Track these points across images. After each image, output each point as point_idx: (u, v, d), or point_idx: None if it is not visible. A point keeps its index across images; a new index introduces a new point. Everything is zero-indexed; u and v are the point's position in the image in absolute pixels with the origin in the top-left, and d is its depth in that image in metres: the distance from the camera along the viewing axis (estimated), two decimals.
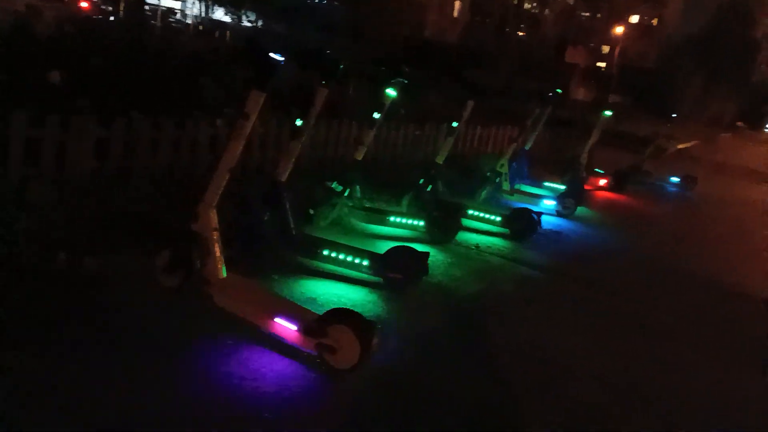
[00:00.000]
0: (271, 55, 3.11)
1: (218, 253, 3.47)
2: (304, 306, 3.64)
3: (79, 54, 6.73)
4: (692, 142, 26.99)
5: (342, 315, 3.27)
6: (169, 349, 3.16)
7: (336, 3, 28.24)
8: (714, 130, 39.10)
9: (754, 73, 53.73)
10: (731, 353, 4.66)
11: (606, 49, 62.27)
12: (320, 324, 3.21)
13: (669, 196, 11.84)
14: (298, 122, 4.19)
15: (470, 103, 6.15)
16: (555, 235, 6.95)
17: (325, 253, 4.43)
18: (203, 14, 25.02)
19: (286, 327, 3.30)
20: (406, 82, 5.18)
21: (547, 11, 55.05)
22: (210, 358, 3.14)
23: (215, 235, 3.46)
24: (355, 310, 3.92)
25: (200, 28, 20.00)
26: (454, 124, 6.22)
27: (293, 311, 3.40)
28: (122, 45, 7.64)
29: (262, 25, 24.75)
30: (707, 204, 11.70)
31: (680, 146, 23.59)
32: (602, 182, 10.73)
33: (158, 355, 3.09)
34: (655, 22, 64.22)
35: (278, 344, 3.32)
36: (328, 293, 4.16)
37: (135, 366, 2.98)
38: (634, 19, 63.75)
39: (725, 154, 26.42)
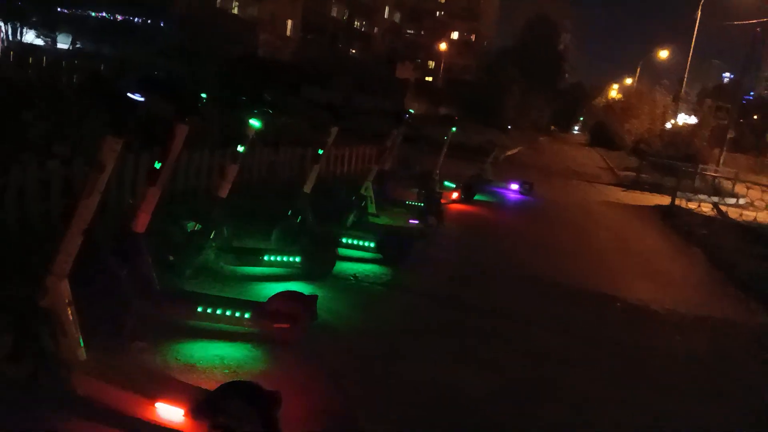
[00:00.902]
0: (130, 95, 2.62)
1: (75, 332, 2.88)
2: (186, 379, 3.15)
3: None
4: (518, 148, 29.17)
5: (237, 388, 2.83)
6: None
7: (162, 23, 26.72)
8: (534, 134, 42.74)
9: (561, 81, 59.60)
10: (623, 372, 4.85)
11: (432, 64, 65.77)
12: (213, 402, 2.76)
13: (513, 202, 12.51)
14: (157, 165, 3.65)
15: (334, 130, 5.90)
16: (426, 254, 6.92)
17: (198, 309, 3.92)
18: (10, 38, 22.30)
19: (170, 411, 2.80)
20: (270, 111, 4.81)
21: (376, 29, 56.80)
22: None
23: (70, 311, 2.86)
24: (241, 371, 3.54)
25: (11, 53, 17.78)
26: (320, 152, 5.94)
27: (177, 390, 2.91)
28: None
29: (79, 47, 22.64)
30: (551, 208, 12.52)
31: (508, 153, 25.35)
32: (454, 195, 11.04)
33: None
34: (473, 37, 68.92)
35: None
36: (208, 356, 3.67)
37: None
38: (455, 35, 68.11)
39: (547, 157, 28.88)
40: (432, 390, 3.78)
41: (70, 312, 2.88)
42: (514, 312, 5.62)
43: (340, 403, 3.45)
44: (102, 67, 14.85)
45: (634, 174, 21.30)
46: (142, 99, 2.65)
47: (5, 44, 21.60)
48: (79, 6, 24.58)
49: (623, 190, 18.30)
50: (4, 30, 22.71)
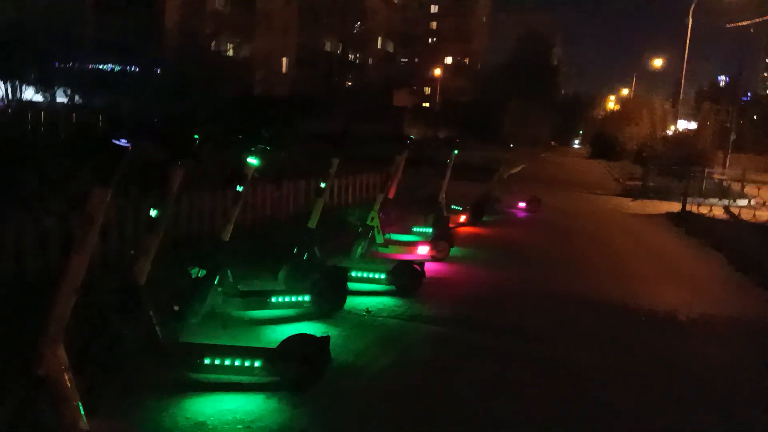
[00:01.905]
0: (115, 142, 2.46)
1: (75, 400, 2.67)
2: None
3: None
4: (522, 165, 29.02)
5: None
6: None
7: (156, 69, 26.89)
8: (535, 150, 42.64)
9: (557, 94, 59.78)
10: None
11: (428, 90, 66.19)
12: None
13: (523, 219, 12.29)
14: (153, 212, 3.49)
15: (336, 161, 5.75)
16: (439, 282, 6.70)
17: (206, 361, 3.71)
18: (10, 96, 22.47)
19: None
20: (268, 147, 4.65)
21: (370, 60, 57.26)
22: None
23: (68, 378, 2.66)
24: (256, 426, 3.32)
25: (9, 111, 17.87)
26: (322, 185, 5.78)
27: None
28: None
29: (78, 101, 22.78)
30: (562, 222, 12.26)
31: (513, 170, 25.19)
32: (462, 218, 10.83)
33: None
34: (466, 60, 69.48)
35: None
36: (219, 411, 3.45)
37: None
38: (449, 59, 68.66)
39: (551, 171, 28.74)
40: (465, 425, 3.53)
41: (68, 378, 2.68)
42: (537, 331, 5.38)
43: None
44: (99, 117, 14.87)
45: (640, 183, 21.06)
46: (127, 145, 2.49)
47: (5, 103, 21.77)
48: (76, 60, 24.81)
49: (632, 200, 18.04)
50: (3, 89, 22.91)
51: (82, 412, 2.70)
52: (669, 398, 4.22)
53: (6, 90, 23.63)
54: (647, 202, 17.59)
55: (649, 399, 4.17)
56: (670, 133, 35.58)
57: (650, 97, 38.86)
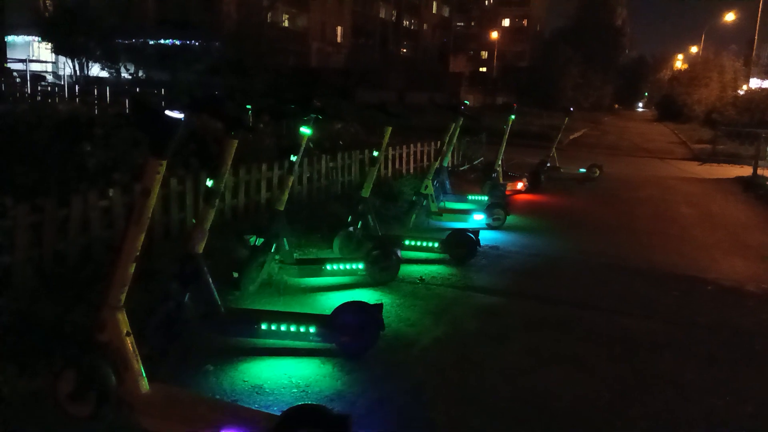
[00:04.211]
0: (168, 113, 2.50)
1: (137, 364, 2.79)
2: (254, 403, 3.02)
3: None
4: (582, 130, 28.20)
5: (306, 414, 2.67)
6: None
7: (214, 42, 27.33)
8: (597, 114, 41.30)
9: (621, 56, 57.40)
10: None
11: (485, 54, 64.74)
12: (281, 430, 2.60)
13: (583, 187, 11.96)
14: (209, 183, 3.56)
15: (388, 130, 5.71)
16: (494, 250, 6.62)
17: (263, 327, 3.79)
18: (78, 73, 23.35)
19: None
20: (320, 117, 4.66)
21: (425, 26, 56.37)
22: None
23: (129, 343, 2.77)
24: (310, 390, 3.39)
25: (76, 87, 18.57)
26: (375, 153, 5.75)
27: (244, 418, 2.76)
28: None
29: (141, 76, 23.43)
30: (624, 190, 11.88)
31: (573, 136, 24.50)
32: (519, 185, 10.64)
33: None
34: (525, 22, 67.40)
35: None
36: (276, 375, 3.53)
37: None
38: (506, 22, 66.81)
39: (614, 136, 27.82)
40: (518, 397, 3.50)
41: (129, 343, 2.79)
42: (596, 302, 5.23)
43: (419, 420, 3.23)
44: (162, 91, 15.27)
45: (710, 146, 20.11)
46: (181, 116, 2.52)
47: (73, 79, 22.63)
48: (139, 36, 25.50)
49: (699, 164, 17.30)
50: (71, 66, 23.79)
51: (144, 376, 2.81)
52: (735, 371, 4.07)
53: (74, 67, 24.59)
54: (716, 166, 16.84)
55: (714, 371, 4.03)
56: (741, 93, 33.67)
57: (720, 57, 36.68)
